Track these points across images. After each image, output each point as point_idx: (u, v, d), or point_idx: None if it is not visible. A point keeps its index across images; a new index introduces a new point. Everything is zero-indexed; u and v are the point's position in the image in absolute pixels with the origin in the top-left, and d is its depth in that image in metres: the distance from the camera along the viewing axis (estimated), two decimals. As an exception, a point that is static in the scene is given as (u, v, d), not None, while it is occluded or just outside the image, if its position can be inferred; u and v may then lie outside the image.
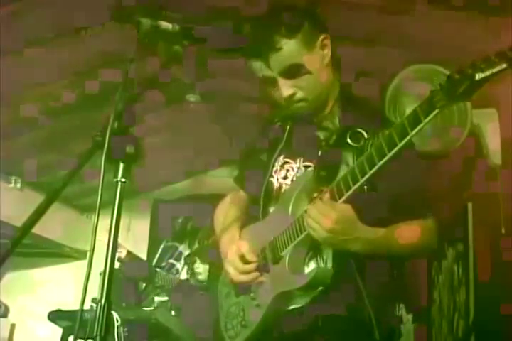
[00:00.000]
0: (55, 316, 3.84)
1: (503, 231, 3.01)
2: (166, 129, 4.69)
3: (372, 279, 1.70)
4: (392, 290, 1.78)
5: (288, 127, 1.90)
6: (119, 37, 2.82)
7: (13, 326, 5.10)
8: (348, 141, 1.60)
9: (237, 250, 1.84)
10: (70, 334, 3.73)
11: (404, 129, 1.40)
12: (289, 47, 1.66)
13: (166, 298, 4.82)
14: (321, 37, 1.72)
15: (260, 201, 1.90)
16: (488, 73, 1.26)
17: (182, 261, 5.23)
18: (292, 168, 1.84)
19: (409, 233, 1.69)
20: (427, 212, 1.75)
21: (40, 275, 5.68)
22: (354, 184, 1.52)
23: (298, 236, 1.68)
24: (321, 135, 1.79)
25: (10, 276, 5.28)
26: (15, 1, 2.89)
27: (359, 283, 1.67)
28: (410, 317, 4.21)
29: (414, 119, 1.38)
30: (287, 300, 1.74)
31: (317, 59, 1.71)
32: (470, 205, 3.50)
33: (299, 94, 1.72)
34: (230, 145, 4.75)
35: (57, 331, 3.93)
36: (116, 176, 1.30)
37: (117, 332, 3.55)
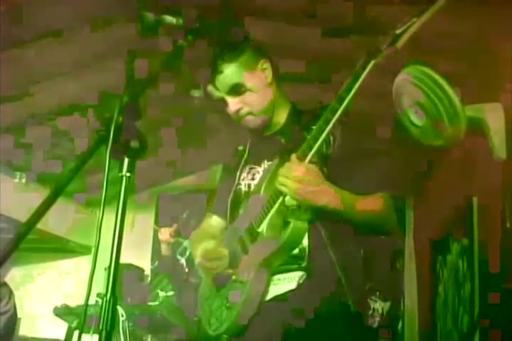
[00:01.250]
0: (61, 311, 3.86)
1: (508, 225, 3.00)
2: (170, 124, 4.68)
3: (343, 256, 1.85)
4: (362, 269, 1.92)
5: (249, 140, 2.15)
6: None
7: (18, 321, 5.11)
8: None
9: (205, 245, 2.04)
10: (75, 329, 3.75)
11: (341, 97, 1.67)
12: (230, 70, 1.94)
13: (170, 293, 4.84)
14: (261, 61, 1.99)
15: (227, 213, 2.09)
16: (403, 28, 1.59)
17: (186, 257, 5.24)
18: (258, 171, 2.05)
19: (371, 201, 1.87)
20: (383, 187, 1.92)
21: (45, 270, 5.70)
22: (315, 144, 1.73)
23: (272, 208, 1.84)
24: (282, 139, 2.02)
25: (15, 271, 5.29)
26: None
27: (331, 254, 1.83)
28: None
29: (350, 84, 1.65)
30: (268, 270, 1.83)
31: (258, 79, 1.98)
32: (475, 199, 3.48)
33: (245, 109, 1.97)
34: (233, 140, 4.73)
35: (62, 326, 3.95)
36: (121, 171, 1.30)
37: (122, 327, 3.56)
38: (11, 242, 1.26)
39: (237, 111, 1.97)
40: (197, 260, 2.05)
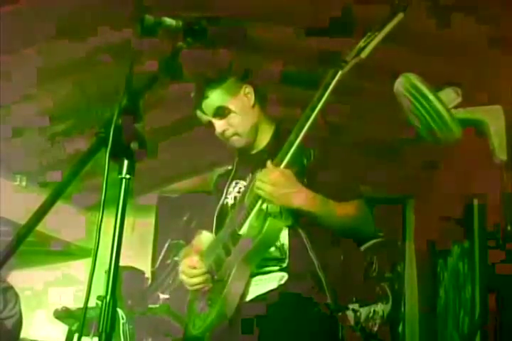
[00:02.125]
0: (61, 314, 3.85)
1: (509, 228, 3.00)
2: (170, 127, 4.69)
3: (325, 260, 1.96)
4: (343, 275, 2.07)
5: (236, 159, 2.27)
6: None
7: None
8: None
9: (187, 261, 2.11)
10: (75, 332, 3.74)
11: (313, 106, 1.82)
12: (215, 95, 2.09)
13: (169, 296, 4.84)
14: (244, 86, 2.15)
15: (213, 225, 2.21)
16: (366, 41, 1.77)
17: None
18: (244, 185, 2.16)
19: (346, 206, 1.97)
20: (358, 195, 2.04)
21: (45, 274, 5.69)
22: (289, 149, 1.84)
23: (252, 211, 1.94)
24: (265, 155, 2.09)
25: (15, 274, 5.28)
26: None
27: (311, 255, 1.93)
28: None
29: (321, 93, 1.80)
30: (248, 268, 1.92)
31: (241, 102, 2.12)
32: (475, 201, 3.48)
33: (230, 130, 2.11)
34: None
35: (62, 329, 3.95)
36: (120, 173, 1.29)
37: (123, 330, 3.56)
38: (10, 245, 1.25)
39: (223, 132, 2.10)
40: (180, 276, 2.14)
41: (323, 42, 3.38)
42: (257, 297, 1.96)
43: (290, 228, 1.96)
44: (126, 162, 1.30)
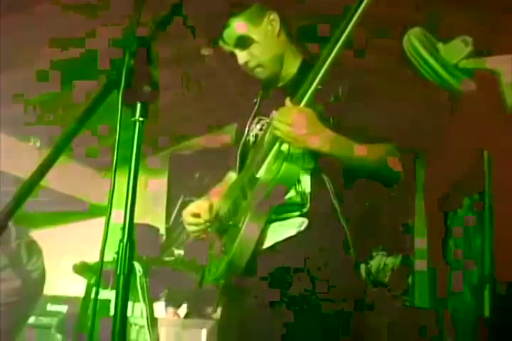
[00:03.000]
0: (80, 268, 3.89)
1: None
2: (179, 85, 4.64)
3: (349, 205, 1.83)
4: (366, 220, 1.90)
5: (260, 93, 2.12)
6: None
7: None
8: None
9: (192, 207, 2.06)
10: (93, 286, 3.78)
11: (336, 35, 1.66)
12: (236, 23, 1.92)
13: (183, 251, 4.87)
14: (268, 13, 1.95)
15: (237, 162, 2.08)
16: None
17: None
18: (267, 122, 2.01)
19: (372, 149, 1.80)
20: (389, 139, 1.87)
21: (65, 231, 5.75)
22: (310, 87, 1.70)
23: (270, 153, 1.82)
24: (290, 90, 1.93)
25: (37, 232, 5.33)
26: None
27: (335, 202, 1.81)
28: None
29: (346, 20, 1.64)
30: (264, 214, 1.80)
31: (264, 31, 1.94)
32: (486, 153, 3.44)
33: (253, 61, 1.95)
34: (243, 100, 4.69)
35: (82, 283, 4.00)
36: (134, 115, 1.27)
37: (140, 282, 3.60)
38: (18, 193, 1.23)
39: (246, 63, 1.95)
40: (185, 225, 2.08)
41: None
42: (275, 244, 1.84)
43: (312, 172, 1.83)
44: (139, 105, 1.27)
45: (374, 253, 4.00)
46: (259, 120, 2.05)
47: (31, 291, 3.18)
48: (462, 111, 3.56)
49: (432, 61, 2.76)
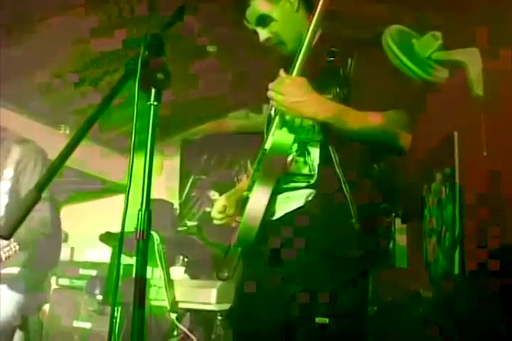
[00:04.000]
0: (104, 237, 3.89)
1: (485, 154, 2.96)
2: (188, 78, 4.59)
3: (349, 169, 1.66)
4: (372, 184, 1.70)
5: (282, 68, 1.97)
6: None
7: (72, 249, 5.20)
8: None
9: (216, 205, 1.92)
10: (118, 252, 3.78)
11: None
12: (256, 2, 1.79)
13: (195, 223, 4.88)
14: None
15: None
16: None
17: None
18: None
19: (372, 115, 1.61)
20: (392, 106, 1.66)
21: (91, 206, 5.75)
22: (299, 56, 1.63)
23: (273, 124, 1.71)
24: None
25: (66, 208, 5.33)
26: None
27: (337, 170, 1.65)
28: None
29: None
30: (269, 183, 1.65)
31: (283, 9, 1.79)
32: (456, 134, 3.43)
33: (275, 39, 1.81)
34: (245, 90, 4.66)
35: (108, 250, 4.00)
36: (149, 100, 1.25)
37: (157, 250, 3.60)
38: (47, 172, 1.22)
39: (267, 40, 1.82)
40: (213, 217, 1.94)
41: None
42: (285, 215, 1.72)
43: (322, 144, 1.68)
44: (153, 90, 1.25)
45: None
46: None
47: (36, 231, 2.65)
48: (434, 97, 3.52)
49: (403, 58, 2.70)
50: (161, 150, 5.30)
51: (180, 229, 4.35)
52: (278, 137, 1.66)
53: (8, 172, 2.61)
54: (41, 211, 2.55)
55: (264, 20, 1.79)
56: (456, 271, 3.32)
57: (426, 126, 4.20)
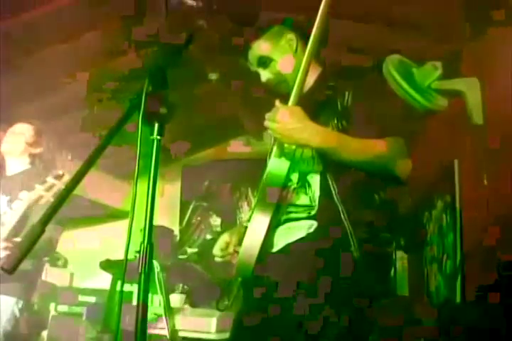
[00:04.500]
0: (105, 265, 3.87)
1: (485, 182, 2.97)
2: (189, 105, 4.62)
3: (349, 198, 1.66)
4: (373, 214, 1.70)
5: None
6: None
7: (72, 275, 5.16)
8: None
9: (219, 242, 1.93)
10: (117, 280, 3.76)
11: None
12: (257, 45, 1.88)
13: (196, 250, 4.85)
14: (286, 34, 1.89)
15: None
16: None
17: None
18: None
19: (372, 142, 1.64)
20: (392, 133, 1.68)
21: (93, 233, 5.72)
22: (294, 87, 1.67)
23: (272, 153, 1.74)
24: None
25: (66, 234, 5.31)
26: None
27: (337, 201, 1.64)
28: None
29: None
30: (264, 212, 1.66)
31: (282, 50, 1.87)
32: (456, 161, 3.44)
33: (276, 79, 1.87)
34: (247, 117, 4.69)
35: (108, 278, 3.97)
36: (152, 134, 1.27)
37: (158, 278, 3.58)
38: (54, 201, 1.22)
39: (268, 81, 1.88)
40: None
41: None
42: (286, 246, 1.70)
43: (321, 175, 1.69)
44: (156, 125, 1.27)
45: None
46: None
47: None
48: (433, 125, 3.55)
49: (405, 85, 2.72)
50: (162, 175, 5.30)
51: (180, 257, 4.32)
52: (273, 167, 1.68)
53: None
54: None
55: (264, 62, 1.87)
56: (458, 299, 3.29)
57: (427, 153, 4.22)
